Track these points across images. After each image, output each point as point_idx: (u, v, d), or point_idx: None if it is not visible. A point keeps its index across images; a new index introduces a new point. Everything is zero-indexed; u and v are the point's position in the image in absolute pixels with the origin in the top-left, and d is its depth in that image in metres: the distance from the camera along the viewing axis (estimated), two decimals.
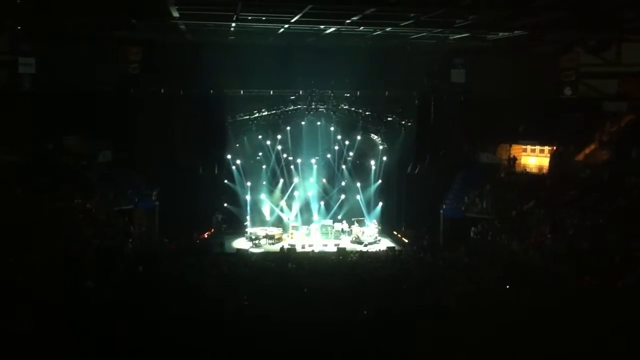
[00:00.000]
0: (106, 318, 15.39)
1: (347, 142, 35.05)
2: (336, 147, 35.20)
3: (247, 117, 33.24)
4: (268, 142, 34.27)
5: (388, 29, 24.97)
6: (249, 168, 34.35)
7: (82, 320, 15.08)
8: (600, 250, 19.45)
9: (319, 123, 34.51)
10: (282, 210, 34.85)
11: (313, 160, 35.25)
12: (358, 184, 34.87)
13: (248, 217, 34.00)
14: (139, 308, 16.34)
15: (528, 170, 30.68)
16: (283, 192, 35.01)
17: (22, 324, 13.62)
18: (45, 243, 18.30)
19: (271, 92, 32.49)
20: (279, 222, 34.43)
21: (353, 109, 33.81)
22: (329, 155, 35.31)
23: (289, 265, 24.76)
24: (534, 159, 30.90)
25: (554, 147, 29.60)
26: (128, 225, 26.85)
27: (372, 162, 35.21)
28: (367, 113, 33.89)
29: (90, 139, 28.48)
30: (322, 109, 33.68)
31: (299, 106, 33.32)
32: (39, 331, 13.61)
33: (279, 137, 34.29)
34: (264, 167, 34.70)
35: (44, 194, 22.41)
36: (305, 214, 34.78)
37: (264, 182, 34.76)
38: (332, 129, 34.74)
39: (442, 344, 14.25)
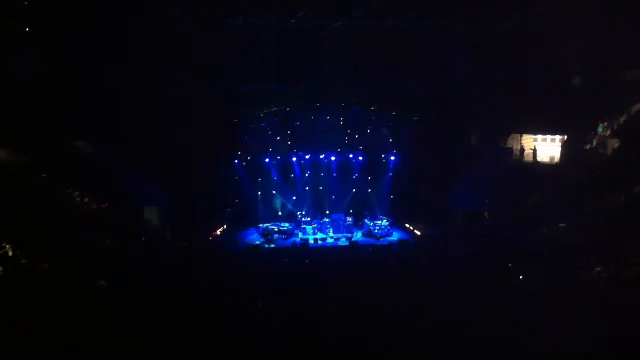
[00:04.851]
0: (118, 316, 15.56)
1: (356, 136, 35.15)
2: (346, 141, 35.29)
3: (257, 113, 33.36)
4: (278, 138, 34.39)
5: (390, 22, 24.90)
6: (259, 164, 34.50)
7: (95, 319, 15.25)
8: (612, 240, 19.26)
9: (328, 118, 34.60)
10: (293, 205, 34.92)
11: (323, 155, 35.28)
12: (369, 178, 34.92)
13: (260, 213, 34.07)
14: (153, 307, 16.50)
15: (539, 160, 30.41)
16: (294, 187, 35.07)
17: (36, 326, 13.78)
18: (52, 244, 18.43)
19: (280, 88, 32.53)
20: (290, 217, 34.53)
21: (362, 103, 33.81)
22: (339, 150, 35.36)
23: (305, 261, 24.88)
24: (546, 148, 30.60)
25: (565, 137, 29.35)
26: (137, 224, 26.88)
27: (382, 156, 35.28)
28: (375, 107, 33.89)
29: (96, 139, 28.50)
30: (331, 104, 33.72)
31: (308, 101, 33.37)
32: (52, 333, 13.78)
33: (289, 132, 34.45)
34: (274, 162, 34.81)
35: (50, 195, 22.48)
36: (317, 209, 34.85)
37: (275, 178, 34.88)
38: (341, 123, 34.79)
39: (454, 340, 14.27)
